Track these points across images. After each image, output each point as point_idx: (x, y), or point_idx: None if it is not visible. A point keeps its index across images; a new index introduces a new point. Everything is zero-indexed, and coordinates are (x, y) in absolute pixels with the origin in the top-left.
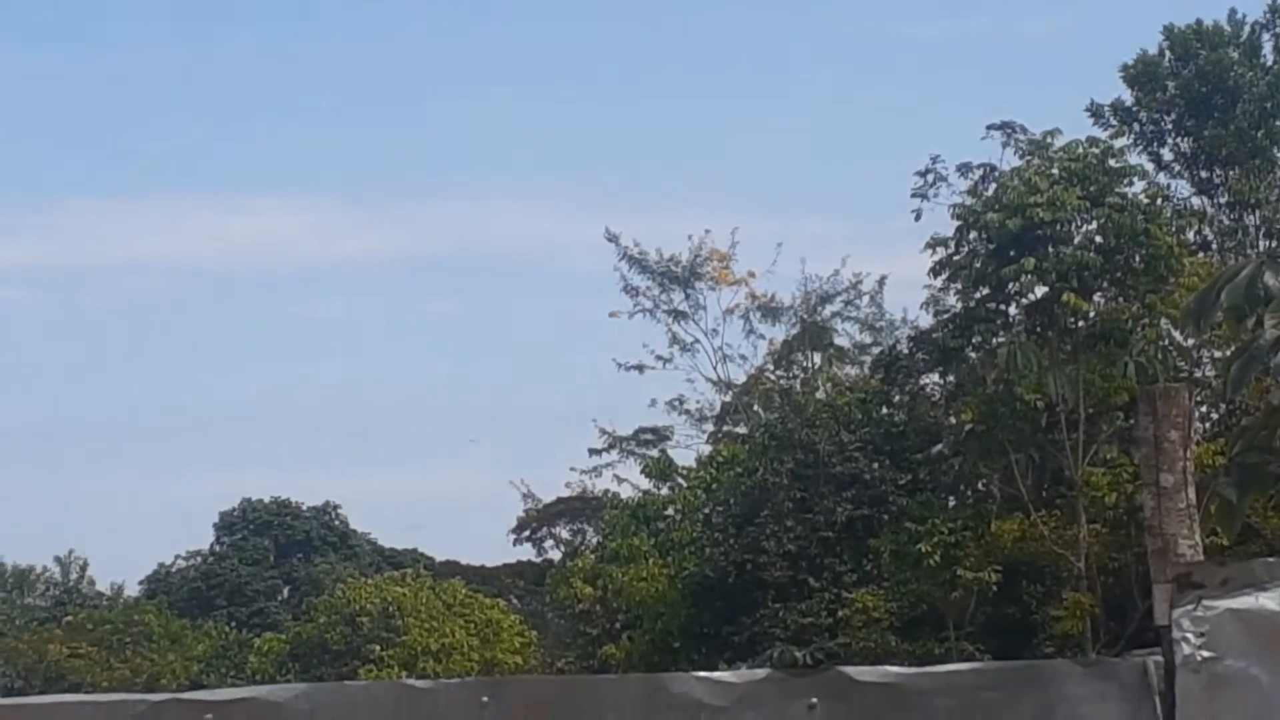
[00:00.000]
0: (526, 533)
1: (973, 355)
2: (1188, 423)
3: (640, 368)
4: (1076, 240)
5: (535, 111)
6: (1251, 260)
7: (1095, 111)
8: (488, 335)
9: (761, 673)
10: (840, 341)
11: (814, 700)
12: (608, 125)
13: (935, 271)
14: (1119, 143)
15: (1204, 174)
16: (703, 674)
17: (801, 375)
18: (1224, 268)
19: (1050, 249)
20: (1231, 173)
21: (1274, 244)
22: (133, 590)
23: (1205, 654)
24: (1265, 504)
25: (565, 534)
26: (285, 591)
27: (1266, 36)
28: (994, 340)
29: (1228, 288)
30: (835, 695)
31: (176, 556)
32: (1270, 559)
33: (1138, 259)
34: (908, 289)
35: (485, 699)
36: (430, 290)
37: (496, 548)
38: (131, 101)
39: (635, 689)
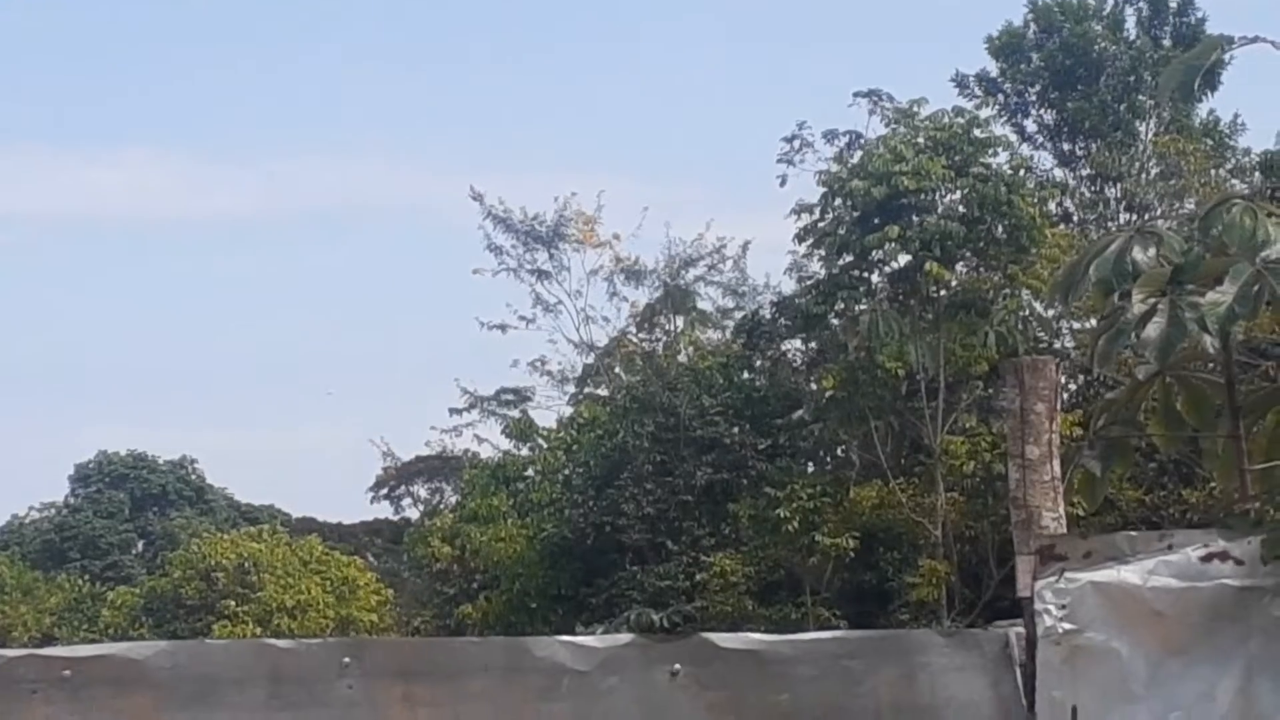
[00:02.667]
0: (384, 490)
1: (835, 322)
2: (1054, 395)
3: (503, 327)
4: (940, 209)
5: (403, 69)
6: (1120, 234)
7: (960, 82)
8: (350, 291)
9: (625, 638)
10: (703, 305)
11: (677, 666)
12: (476, 85)
13: (800, 238)
14: (984, 113)
15: (1066, 146)
16: (566, 638)
17: (664, 338)
18: (1088, 241)
19: (914, 218)
20: (1094, 145)
21: (1134, 217)
22: None
23: (1066, 626)
24: (1122, 477)
25: (424, 493)
26: (140, 545)
27: (1129, 10)
28: (857, 307)
29: (1096, 261)
30: (698, 661)
31: (30, 508)
32: (1132, 532)
33: (1000, 229)
34: (772, 254)
35: (346, 660)
36: (294, 245)
37: (355, 505)
38: None
39: (498, 651)
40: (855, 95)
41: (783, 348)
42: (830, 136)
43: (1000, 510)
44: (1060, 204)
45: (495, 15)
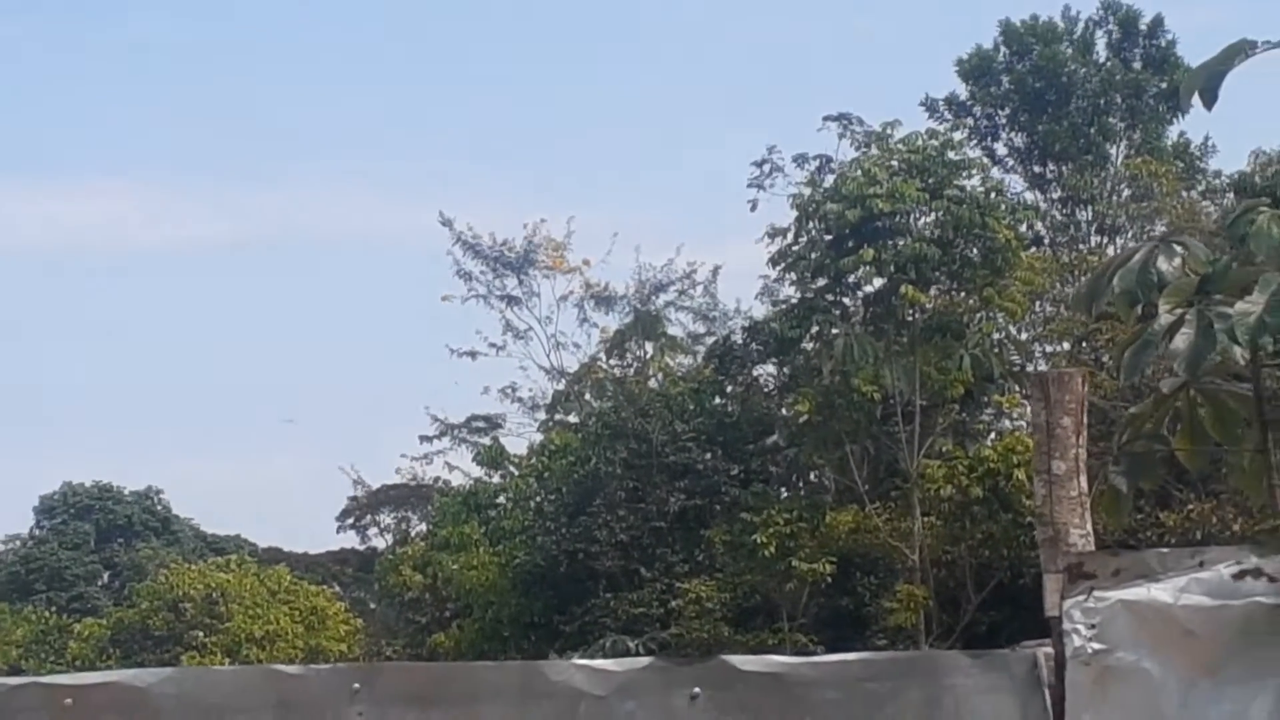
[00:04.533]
0: (351, 520)
1: (809, 346)
2: (1081, 409)
3: (473, 354)
4: (915, 232)
5: (369, 97)
6: (1144, 244)
7: (930, 106)
8: (319, 320)
9: (643, 661)
10: (674, 331)
11: (696, 690)
12: (445, 113)
13: (774, 261)
14: (957, 135)
15: (1037, 169)
16: (583, 661)
17: (635, 364)
18: (1059, 264)
19: (889, 241)
20: (1065, 168)
21: (1105, 239)
22: None
23: (1096, 646)
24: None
25: (389, 521)
26: (106, 576)
27: (1099, 33)
28: (831, 331)
29: (1120, 271)
30: (718, 684)
31: None
32: (1164, 549)
33: (975, 252)
34: (742, 280)
35: (357, 685)
36: (258, 274)
37: (322, 535)
38: None
39: (513, 676)
40: (825, 119)
41: (754, 373)
42: (801, 160)
43: (977, 534)
44: (1032, 227)
45: (461, 41)
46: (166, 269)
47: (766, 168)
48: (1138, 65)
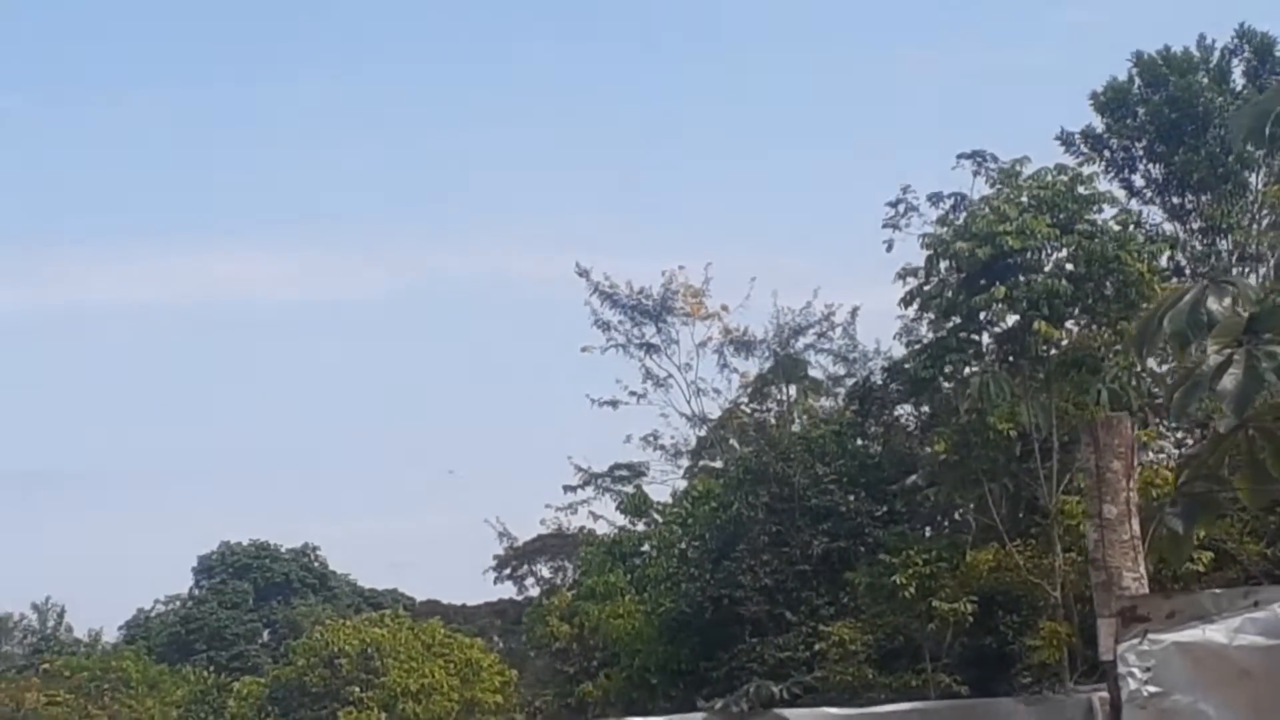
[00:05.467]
0: (507, 571)
1: (946, 385)
2: (1130, 453)
3: (614, 403)
4: (1047, 268)
5: (509, 148)
6: (1194, 285)
7: (1065, 140)
8: (460, 373)
9: (698, 716)
10: (814, 373)
11: None
12: (581, 161)
13: (906, 302)
14: (1089, 170)
15: (1175, 200)
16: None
17: (776, 408)
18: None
19: (1020, 277)
20: (1203, 198)
21: (1246, 269)
22: (112, 636)
23: (1151, 689)
24: (1241, 530)
25: (546, 571)
26: (265, 634)
27: (1235, 61)
28: (966, 370)
29: (1170, 313)
30: None
31: (156, 601)
32: (1217, 590)
33: (1109, 286)
34: (880, 320)
35: None
36: (397, 328)
37: (478, 587)
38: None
39: None
40: (959, 157)
41: (895, 413)
42: (935, 199)
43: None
44: (1172, 258)
45: (589, 87)
46: (318, 326)
47: (901, 207)
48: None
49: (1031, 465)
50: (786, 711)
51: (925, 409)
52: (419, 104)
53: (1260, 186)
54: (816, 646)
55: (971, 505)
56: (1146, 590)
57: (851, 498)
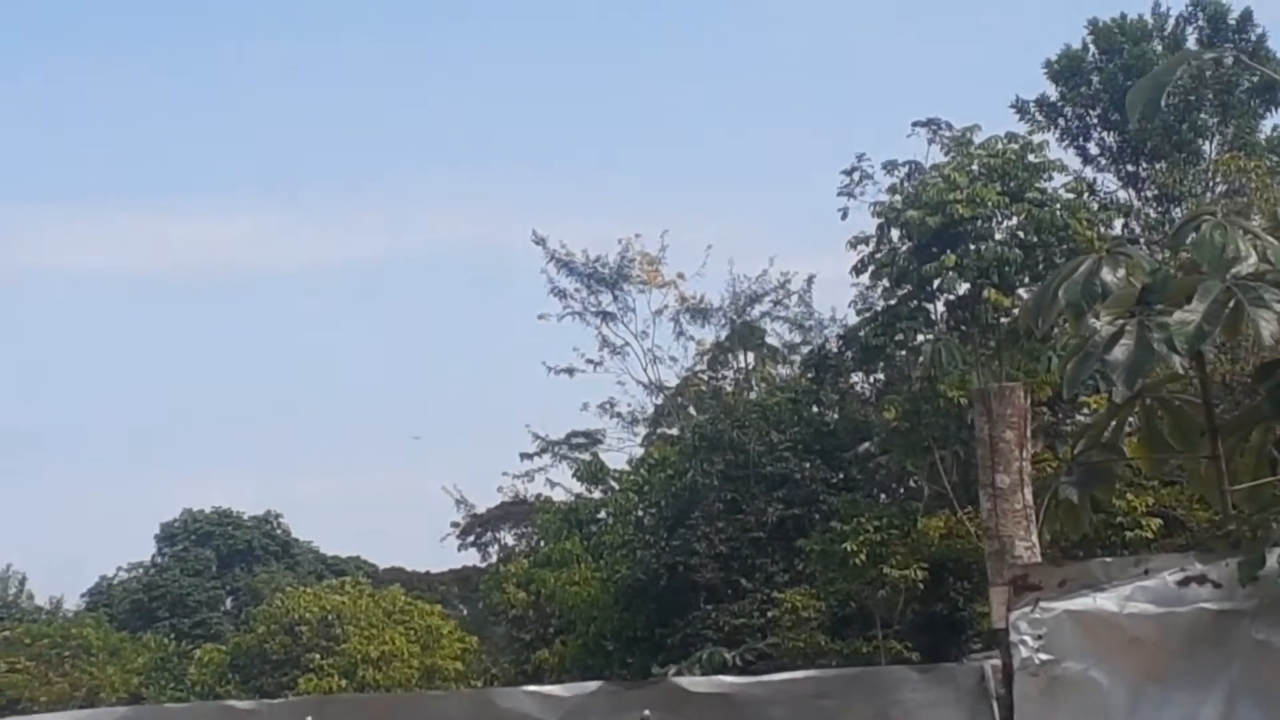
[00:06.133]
0: (471, 538)
1: (901, 353)
2: (1023, 423)
3: (570, 371)
4: (997, 236)
5: (461, 112)
6: (1090, 255)
7: (1020, 107)
8: (415, 338)
9: (592, 685)
10: (770, 341)
11: (646, 712)
12: (536, 126)
13: (857, 270)
14: (1040, 138)
15: (1130, 168)
16: (533, 688)
17: (734, 376)
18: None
19: (971, 245)
20: (1157, 166)
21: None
22: (74, 604)
23: (1043, 657)
24: (1190, 497)
25: (510, 539)
26: (228, 602)
27: (1190, 29)
28: (918, 338)
29: (1065, 284)
30: (668, 707)
31: (118, 569)
32: (1107, 559)
33: (1059, 254)
34: (837, 288)
35: (309, 718)
36: (356, 294)
37: (442, 554)
38: (75, 105)
39: (464, 704)
40: (914, 125)
41: (851, 380)
42: (890, 167)
43: (1070, 535)
44: (1127, 226)
45: (546, 55)
46: (276, 291)
47: (856, 175)
48: (1229, 60)
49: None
50: (683, 680)
51: (880, 377)
52: (380, 65)
53: (1214, 155)
54: (770, 613)
55: (923, 472)
56: (1039, 559)
57: (807, 465)
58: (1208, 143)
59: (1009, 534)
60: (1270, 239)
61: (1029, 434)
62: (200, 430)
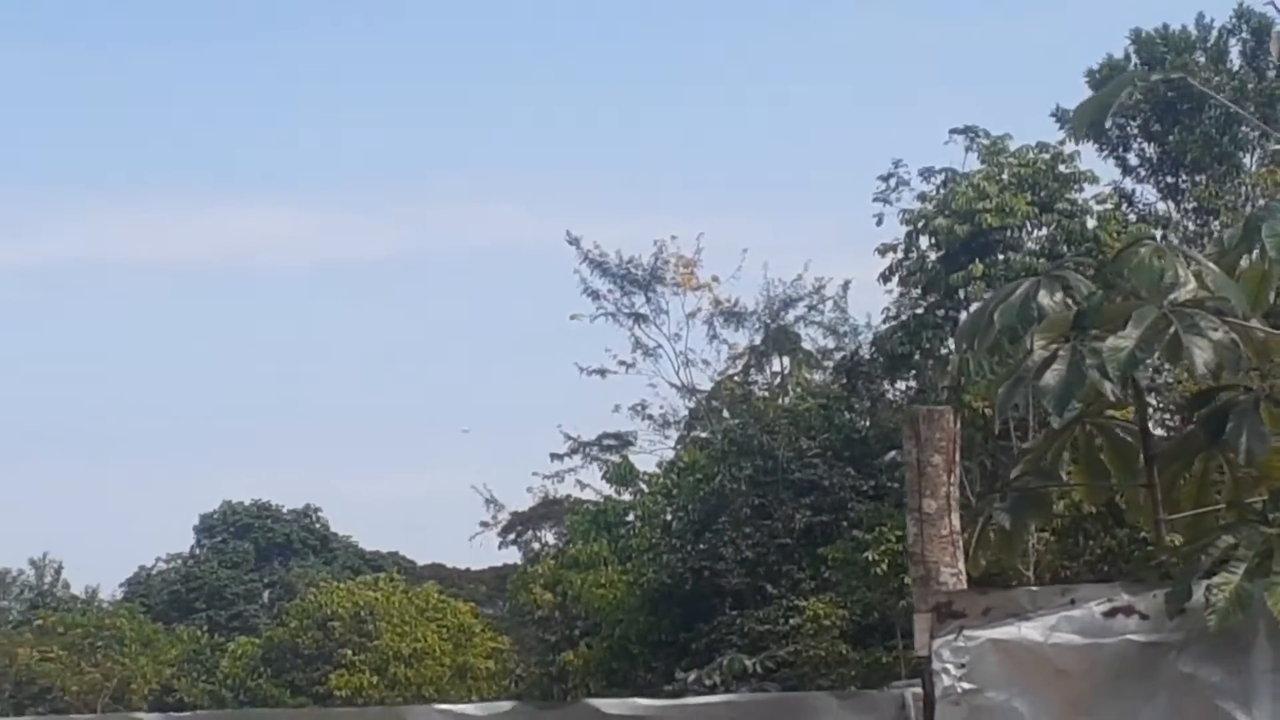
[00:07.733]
0: (512, 536)
1: (929, 363)
2: (952, 446)
3: (602, 372)
4: (1026, 246)
5: (504, 116)
6: (1028, 279)
7: (1061, 117)
8: (449, 338)
9: (506, 705)
10: (805, 346)
11: None
12: (574, 130)
13: (885, 277)
14: (1071, 149)
15: (1170, 179)
16: (444, 706)
17: (768, 380)
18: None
19: (999, 255)
20: (1197, 178)
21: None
22: (112, 593)
23: (966, 685)
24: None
25: (550, 537)
26: (265, 595)
27: (1233, 41)
28: (943, 347)
29: (1001, 307)
30: None
31: (157, 559)
32: (1033, 587)
33: (1090, 266)
34: (873, 294)
35: None
36: (396, 290)
37: (482, 552)
38: (127, 101)
39: None
40: (951, 132)
41: (883, 387)
42: (927, 174)
43: (1096, 549)
44: (1164, 237)
45: (586, 56)
46: (309, 289)
47: (893, 181)
48: (1272, 74)
49: (1008, 444)
50: (596, 702)
51: (912, 384)
52: (420, 65)
53: (1254, 168)
54: (794, 621)
55: None
56: (964, 586)
57: (836, 472)
58: (1248, 155)
59: (934, 560)
60: (1211, 265)
61: (957, 458)
62: (240, 423)
